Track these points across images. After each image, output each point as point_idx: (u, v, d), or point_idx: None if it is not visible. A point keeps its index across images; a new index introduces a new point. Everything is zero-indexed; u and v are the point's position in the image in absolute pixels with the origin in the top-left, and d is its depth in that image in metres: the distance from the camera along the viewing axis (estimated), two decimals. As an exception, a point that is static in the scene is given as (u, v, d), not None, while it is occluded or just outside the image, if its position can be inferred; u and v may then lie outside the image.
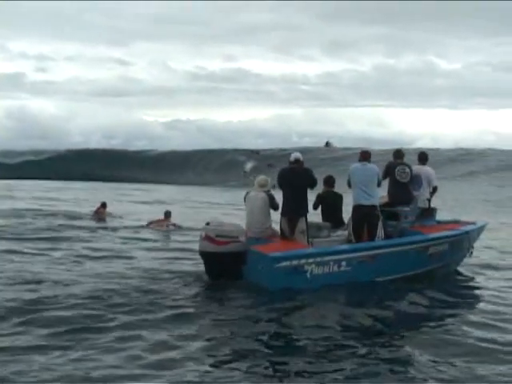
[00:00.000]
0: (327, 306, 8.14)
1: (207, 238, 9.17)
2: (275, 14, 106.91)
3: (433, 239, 10.29)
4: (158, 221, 16.31)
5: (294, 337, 6.93)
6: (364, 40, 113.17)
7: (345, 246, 9.60)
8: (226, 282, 9.01)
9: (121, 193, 34.65)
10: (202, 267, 9.77)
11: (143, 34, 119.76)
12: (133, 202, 27.12)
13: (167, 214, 16.48)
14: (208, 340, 6.67)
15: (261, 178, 10.01)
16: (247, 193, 9.95)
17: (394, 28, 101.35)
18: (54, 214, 18.46)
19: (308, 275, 8.98)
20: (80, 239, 13.70)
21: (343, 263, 9.24)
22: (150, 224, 16.22)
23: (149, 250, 12.68)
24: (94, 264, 10.65)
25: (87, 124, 61.70)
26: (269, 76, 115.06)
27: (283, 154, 50.89)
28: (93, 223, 16.96)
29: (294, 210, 9.51)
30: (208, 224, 9.41)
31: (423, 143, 55.70)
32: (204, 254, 9.29)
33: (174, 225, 16.21)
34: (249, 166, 52.78)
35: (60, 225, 15.91)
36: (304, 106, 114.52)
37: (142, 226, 16.10)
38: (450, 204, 25.44)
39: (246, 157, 56.89)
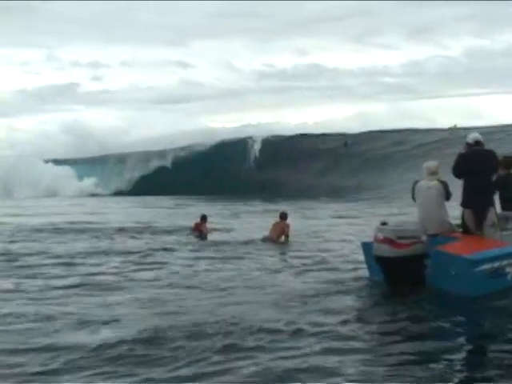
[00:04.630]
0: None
1: (386, 240, 8.22)
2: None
3: None
4: (276, 225, 14.77)
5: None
6: (451, 20, 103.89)
7: None
8: (407, 287, 8.13)
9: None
10: (362, 272, 9.20)
11: (203, 31, 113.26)
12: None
13: (283, 216, 14.87)
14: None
15: (430, 163, 9.08)
16: (415, 182, 9.08)
17: (486, 3, 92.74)
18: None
19: (509, 277, 8.13)
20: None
21: None
22: (266, 238, 14.64)
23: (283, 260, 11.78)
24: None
25: (148, 134, 59.72)
26: (346, 70, 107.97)
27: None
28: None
29: (483, 200, 8.58)
30: (384, 224, 8.49)
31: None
32: (383, 260, 8.32)
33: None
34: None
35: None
36: (387, 100, 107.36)
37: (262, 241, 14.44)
38: None
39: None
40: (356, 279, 9.12)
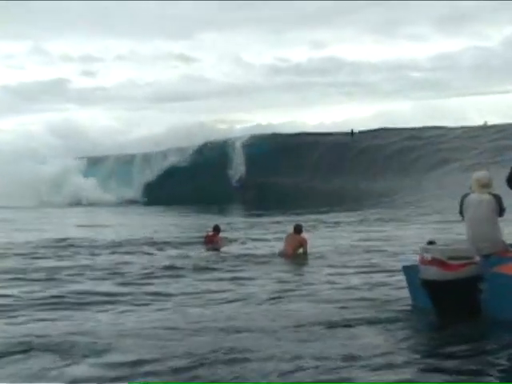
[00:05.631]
0: None
1: (435, 262, 7.44)
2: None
3: None
4: (289, 238, 13.79)
5: None
6: (488, 7, 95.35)
7: None
8: (460, 315, 7.40)
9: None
10: (398, 293, 8.63)
11: (209, 21, 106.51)
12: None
13: (297, 229, 13.89)
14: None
15: (481, 174, 8.21)
16: (464, 196, 8.22)
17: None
18: None
19: None
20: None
21: None
22: (281, 253, 13.80)
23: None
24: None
25: (147, 136, 57.94)
26: (367, 63, 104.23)
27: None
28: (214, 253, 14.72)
29: None
30: (432, 243, 7.76)
31: None
32: (431, 284, 7.54)
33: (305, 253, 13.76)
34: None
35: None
36: (414, 98, 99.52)
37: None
38: None
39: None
40: (395, 305, 8.33)
